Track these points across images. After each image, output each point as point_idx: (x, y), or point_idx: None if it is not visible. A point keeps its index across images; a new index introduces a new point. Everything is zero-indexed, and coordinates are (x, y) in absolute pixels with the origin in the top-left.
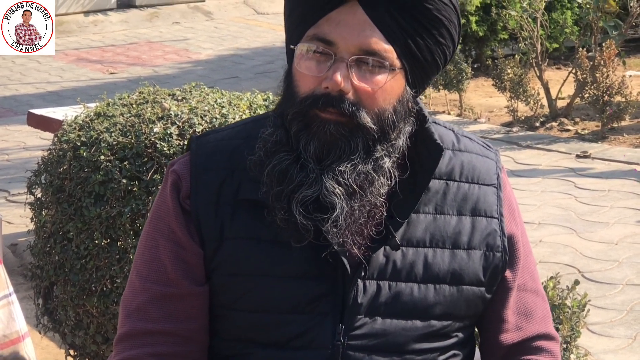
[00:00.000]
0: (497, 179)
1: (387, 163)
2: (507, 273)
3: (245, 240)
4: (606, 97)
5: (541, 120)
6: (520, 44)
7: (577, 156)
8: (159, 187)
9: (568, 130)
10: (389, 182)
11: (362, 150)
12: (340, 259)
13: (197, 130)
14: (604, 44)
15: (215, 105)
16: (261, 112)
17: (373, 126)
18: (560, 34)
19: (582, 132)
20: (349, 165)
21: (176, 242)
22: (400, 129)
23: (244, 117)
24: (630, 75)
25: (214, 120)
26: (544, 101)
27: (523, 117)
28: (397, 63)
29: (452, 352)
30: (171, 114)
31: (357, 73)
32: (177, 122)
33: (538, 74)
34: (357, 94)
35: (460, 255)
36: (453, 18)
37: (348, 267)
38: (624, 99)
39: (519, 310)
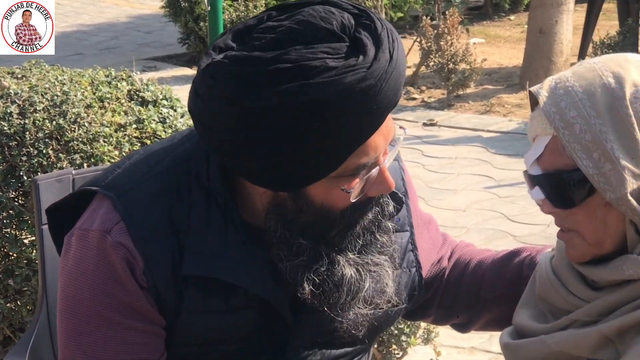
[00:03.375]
0: (403, 184)
1: (390, 206)
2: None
3: (199, 314)
4: (451, 64)
5: None
6: None
7: (424, 124)
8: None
9: (414, 98)
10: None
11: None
12: (286, 309)
13: (37, 108)
14: (447, 12)
15: (57, 83)
16: (104, 89)
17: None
18: (404, 3)
19: (429, 100)
20: (381, 234)
21: (140, 318)
22: None
23: (85, 94)
24: (475, 43)
25: (55, 98)
26: None
27: None
28: None
29: (363, 359)
30: (11, 93)
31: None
32: (17, 101)
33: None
34: None
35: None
36: None
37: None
38: (468, 67)
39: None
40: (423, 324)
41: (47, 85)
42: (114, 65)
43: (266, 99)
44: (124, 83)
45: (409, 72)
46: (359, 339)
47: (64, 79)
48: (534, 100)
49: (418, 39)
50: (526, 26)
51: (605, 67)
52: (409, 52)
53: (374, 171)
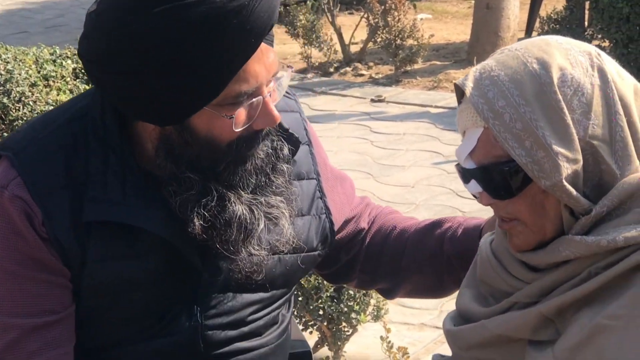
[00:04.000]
0: (306, 134)
1: (285, 149)
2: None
3: (104, 261)
4: (398, 40)
5: (335, 65)
6: None
7: (372, 100)
8: None
9: (362, 75)
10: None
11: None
12: (193, 253)
13: None
14: None
15: (0, 61)
16: (48, 67)
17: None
18: None
19: (376, 77)
20: (276, 176)
21: (43, 270)
22: None
23: (30, 72)
24: (422, 19)
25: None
26: (338, 47)
27: (317, 64)
28: None
29: (282, 309)
30: None
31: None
32: None
33: (330, 20)
34: None
35: (297, 222)
36: None
37: (200, 263)
38: (416, 43)
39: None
40: (373, 301)
41: None
42: (61, 43)
43: (142, 24)
44: (69, 61)
45: (356, 48)
46: (274, 283)
47: (8, 57)
48: (459, 94)
49: (365, 15)
50: (473, 1)
51: (528, 53)
52: (356, 28)
53: (256, 100)
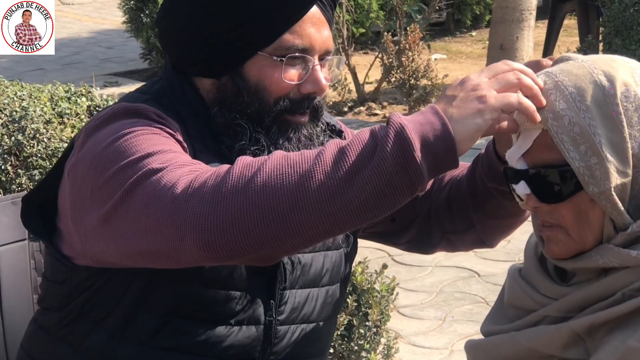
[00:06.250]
0: (341, 134)
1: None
2: None
3: None
4: (412, 80)
5: (349, 105)
6: None
7: None
8: None
9: (376, 114)
10: None
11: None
12: None
13: None
14: (408, 28)
15: (15, 98)
16: (63, 104)
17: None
18: (366, 19)
19: None
20: None
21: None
22: None
23: (45, 109)
24: (436, 59)
25: (14, 113)
26: (352, 86)
27: (331, 103)
28: None
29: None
30: None
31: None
32: None
33: (345, 59)
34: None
35: None
36: None
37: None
38: (430, 82)
39: None
40: (383, 340)
41: (5, 101)
42: (76, 81)
43: None
44: (84, 99)
45: (370, 87)
46: (324, 279)
47: (23, 95)
48: None
49: (380, 55)
50: (487, 42)
51: (594, 65)
52: (371, 67)
53: (307, 62)
